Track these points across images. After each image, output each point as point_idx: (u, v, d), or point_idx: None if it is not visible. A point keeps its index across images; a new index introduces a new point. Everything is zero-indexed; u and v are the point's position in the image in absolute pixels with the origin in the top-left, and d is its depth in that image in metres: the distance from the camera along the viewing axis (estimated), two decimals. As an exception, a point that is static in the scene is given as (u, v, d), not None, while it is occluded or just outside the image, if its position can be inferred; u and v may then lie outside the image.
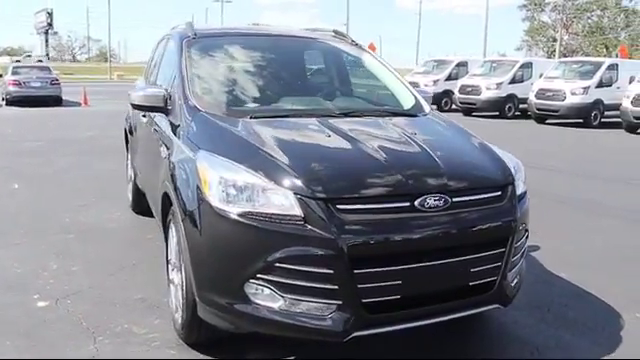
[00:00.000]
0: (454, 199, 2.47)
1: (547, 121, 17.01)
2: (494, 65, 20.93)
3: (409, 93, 3.81)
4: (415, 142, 2.82)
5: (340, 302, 2.29)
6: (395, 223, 2.37)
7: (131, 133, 5.10)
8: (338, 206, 2.32)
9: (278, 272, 2.30)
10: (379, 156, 2.58)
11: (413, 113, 3.45)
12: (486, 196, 2.61)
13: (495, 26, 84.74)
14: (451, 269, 2.46)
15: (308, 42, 4.13)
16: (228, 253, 2.39)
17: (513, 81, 19.43)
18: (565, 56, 46.37)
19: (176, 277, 2.93)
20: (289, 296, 2.32)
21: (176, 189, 2.73)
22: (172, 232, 2.95)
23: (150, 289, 3.61)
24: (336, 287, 2.28)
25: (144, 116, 4.03)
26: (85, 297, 3.51)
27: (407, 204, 2.40)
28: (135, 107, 3.44)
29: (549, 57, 44.32)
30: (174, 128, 3.17)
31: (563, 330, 3.20)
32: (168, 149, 3.12)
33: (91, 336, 3.02)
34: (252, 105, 3.31)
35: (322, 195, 2.32)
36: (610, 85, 16.95)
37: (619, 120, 15.59)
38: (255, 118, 3.00)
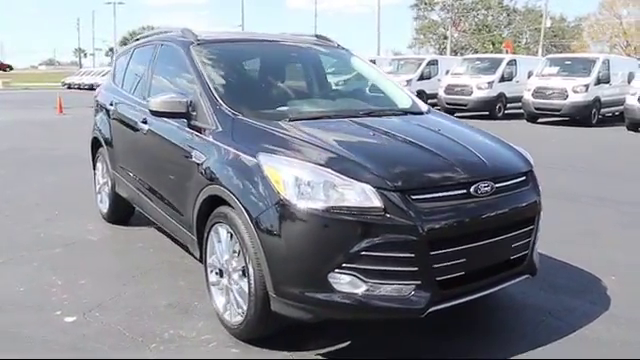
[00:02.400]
0: (496, 185, 2.86)
1: (456, 114, 18.23)
2: (401, 63, 22.15)
3: (403, 93, 4.18)
4: (446, 136, 3.19)
5: (419, 282, 2.58)
6: (458, 208, 2.71)
7: (108, 143, 5.01)
8: (412, 196, 2.61)
9: (363, 260, 2.54)
10: (431, 150, 2.92)
11: (420, 111, 3.81)
12: (516, 181, 3.03)
13: (385, 25, 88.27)
14: (499, 246, 2.85)
15: (309, 48, 4.35)
16: (312, 248, 2.59)
17: (422, 78, 20.67)
18: (455, 53, 49.68)
19: (226, 278, 3.07)
20: (372, 281, 2.57)
21: (235, 192, 2.85)
22: (219, 235, 3.08)
23: (172, 295, 3.66)
24: (416, 269, 2.57)
25: (145, 123, 4.04)
26: (111, 308, 3.49)
27: (464, 191, 2.75)
28: (155, 114, 3.48)
29: (440, 54, 47.16)
30: (204, 133, 3.27)
31: (562, 295, 3.71)
32: (203, 154, 3.22)
33: (142, 345, 3.06)
34: (282, 108, 3.50)
35: (399, 187, 2.60)
36: (511, 79, 18.59)
37: (521, 112, 17.19)
38: (293, 120, 3.21)
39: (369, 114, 3.53)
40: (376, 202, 2.56)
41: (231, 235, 3.00)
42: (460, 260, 2.68)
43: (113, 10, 46.23)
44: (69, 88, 36.75)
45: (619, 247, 4.79)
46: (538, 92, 16.32)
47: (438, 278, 2.63)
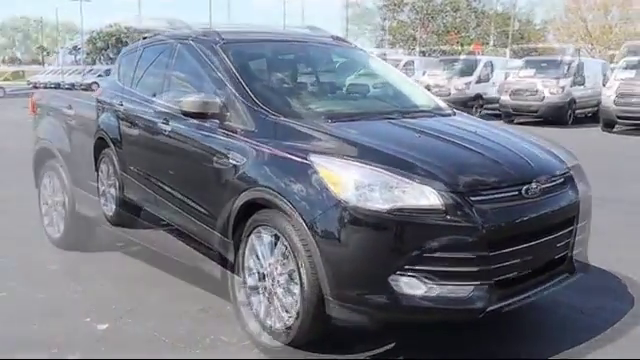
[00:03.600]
0: (542, 185, 2.91)
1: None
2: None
3: (425, 94, 4.22)
4: (486, 138, 3.24)
5: (478, 282, 2.61)
6: (513, 209, 2.75)
7: (116, 144, 4.85)
8: (471, 197, 2.64)
9: (424, 262, 2.56)
10: (479, 151, 2.95)
11: (448, 112, 3.85)
12: (558, 182, 3.09)
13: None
14: (546, 246, 2.90)
15: (331, 48, 4.34)
16: (374, 250, 2.59)
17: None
18: (424, 54, 50.39)
19: (269, 282, 3.04)
20: (432, 282, 2.58)
21: (285, 195, 2.82)
22: (261, 239, 3.05)
23: (202, 300, 3.60)
24: (476, 269, 2.59)
25: (166, 123, 3.94)
26: (142, 315, 3.41)
27: (516, 192, 2.79)
28: (186, 114, 3.42)
29: (409, 54, 47.76)
30: (241, 135, 3.23)
31: (588, 294, 3.80)
32: (242, 156, 3.16)
33: (185, 350, 3.00)
34: (319, 108, 3.48)
35: (459, 188, 2.63)
36: (487, 81, 18.98)
37: (498, 112, 17.56)
38: (334, 120, 3.20)
39: (402, 114, 3.55)
40: (437, 203, 2.58)
41: (276, 238, 2.97)
42: (515, 260, 2.72)
43: (80, 7, 45.30)
44: (35, 87, 35.81)
45: (632, 247, 4.91)
46: (515, 93, 16.74)
47: (496, 278, 2.66)
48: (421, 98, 4.13)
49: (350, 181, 2.64)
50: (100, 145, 5.24)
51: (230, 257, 3.39)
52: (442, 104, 4.08)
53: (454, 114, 3.87)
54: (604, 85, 16.18)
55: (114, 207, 5.02)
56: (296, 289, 2.86)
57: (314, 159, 2.78)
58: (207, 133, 3.50)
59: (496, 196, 2.73)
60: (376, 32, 55.39)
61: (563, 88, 16.26)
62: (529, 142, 3.40)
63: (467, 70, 19.07)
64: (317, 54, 4.21)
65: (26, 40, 79.38)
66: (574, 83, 16.58)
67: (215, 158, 3.40)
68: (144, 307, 3.51)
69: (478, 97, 18.61)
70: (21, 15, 77.96)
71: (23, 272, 4.25)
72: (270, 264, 3.03)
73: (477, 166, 2.85)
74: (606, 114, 14.72)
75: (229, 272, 3.26)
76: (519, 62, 18.52)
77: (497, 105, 17.58)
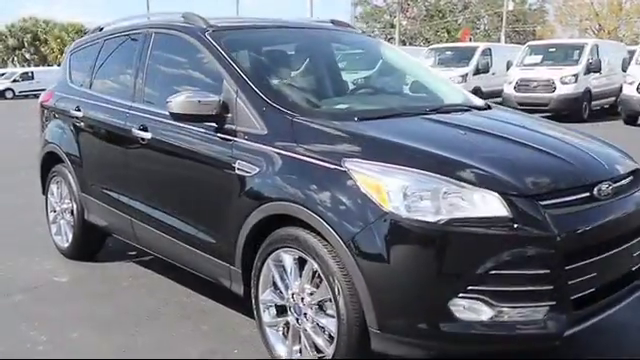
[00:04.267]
0: (614, 185, 2.97)
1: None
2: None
3: (451, 86, 4.30)
4: (542, 133, 3.31)
5: (554, 302, 2.63)
6: (586, 214, 2.79)
7: (74, 158, 4.79)
8: (541, 202, 2.66)
9: (490, 281, 2.57)
10: (540, 149, 2.99)
11: (484, 106, 3.91)
12: (628, 181, 3.15)
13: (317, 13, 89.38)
14: (625, 255, 2.95)
15: (343, 35, 4.37)
16: (431, 270, 2.59)
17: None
18: (404, 43, 51.05)
19: (292, 316, 3.02)
20: (500, 305, 2.59)
21: (315, 209, 2.80)
22: (283, 263, 3.03)
23: (201, 342, 3.55)
24: (551, 287, 2.61)
25: (144, 130, 3.89)
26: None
27: (588, 194, 2.83)
28: (177, 117, 3.39)
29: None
30: (249, 139, 3.21)
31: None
32: (253, 164, 3.14)
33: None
34: (341, 106, 3.49)
35: (527, 192, 2.65)
36: (487, 71, 19.33)
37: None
38: (362, 120, 3.21)
39: (435, 110, 3.58)
40: (503, 211, 2.59)
41: (301, 262, 2.95)
42: (592, 274, 2.75)
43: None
44: None
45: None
46: (521, 85, 17.01)
47: (572, 297, 2.69)
48: (448, 91, 4.19)
49: (397, 189, 2.64)
50: (49, 161, 5.19)
51: (237, 290, 3.36)
52: (473, 97, 4.16)
53: (489, 107, 3.93)
54: (624, 71, 16.54)
55: (71, 236, 4.96)
56: (330, 322, 2.84)
57: (350, 165, 2.77)
58: (202, 139, 3.48)
59: (567, 199, 2.76)
60: (385, 30, 55.93)
61: (576, 76, 16.57)
62: (587, 137, 3.48)
63: (462, 60, 19.37)
64: (327, 43, 4.23)
65: None
66: (589, 70, 16.87)
67: (214, 169, 3.38)
68: (133, 355, 3.44)
69: (477, 90, 18.73)
70: None
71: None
72: (294, 294, 3.01)
73: (543, 165, 2.89)
74: (629, 105, 14.93)
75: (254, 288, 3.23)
76: (523, 48, 18.84)
77: (500, 99, 17.88)
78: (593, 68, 16.95)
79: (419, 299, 2.63)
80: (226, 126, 3.35)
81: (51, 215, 5.27)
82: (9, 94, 38.82)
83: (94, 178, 4.64)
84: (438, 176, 2.67)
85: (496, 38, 48.80)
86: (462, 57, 19.68)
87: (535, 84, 16.80)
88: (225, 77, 3.45)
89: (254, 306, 3.25)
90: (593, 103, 17.32)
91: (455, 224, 2.58)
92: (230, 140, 3.30)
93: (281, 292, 3.09)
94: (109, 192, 4.43)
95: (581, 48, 17.48)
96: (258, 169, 3.12)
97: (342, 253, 2.72)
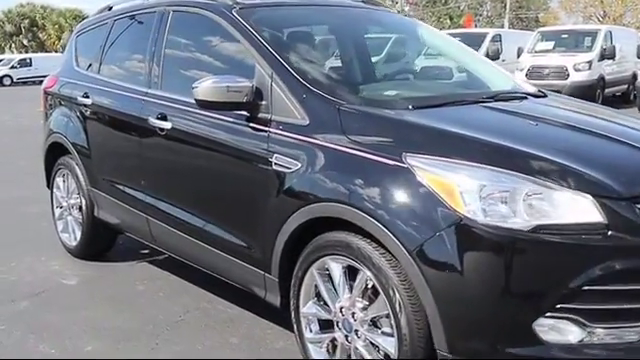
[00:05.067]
0: None
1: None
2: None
3: (498, 70, 3.90)
4: (623, 125, 2.92)
5: None
6: None
7: (82, 149, 4.40)
8: (638, 205, 2.28)
9: (582, 298, 2.19)
10: (626, 142, 2.60)
11: (540, 93, 3.52)
12: None
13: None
14: None
15: (373, 14, 3.98)
16: (513, 285, 2.21)
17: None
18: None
19: (341, 333, 2.64)
20: (592, 325, 2.22)
21: (371, 211, 2.42)
22: (331, 273, 2.65)
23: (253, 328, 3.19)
24: (652, 304, 2.24)
25: (162, 119, 3.49)
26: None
27: None
28: (203, 104, 2.99)
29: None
30: (287, 130, 2.82)
31: None
32: (294, 159, 2.75)
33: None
34: (390, 92, 3.11)
35: (625, 194, 2.26)
36: (497, 58, 18.86)
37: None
38: (417, 108, 2.82)
39: (492, 98, 3.19)
40: (596, 216, 2.21)
41: (352, 271, 2.58)
42: None
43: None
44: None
45: None
46: (533, 72, 16.59)
47: None
48: (496, 76, 3.81)
49: (473, 190, 2.25)
50: (54, 152, 4.81)
51: (274, 301, 2.99)
52: (523, 83, 3.79)
53: (545, 95, 3.54)
54: (639, 58, 16.16)
55: (80, 234, 4.59)
56: (387, 341, 2.47)
57: (413, 161, 2.38)
58: (231, 130, 3.09)
59: None
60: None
61: (590, 63, 16.12)
62: None
63: (471, 47, 18.90)
64: (364, 23, 3.84)
65: None
66: (602, 57, 16.42)
67: (246, 164, 3.00)
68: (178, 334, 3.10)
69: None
70: None
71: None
72: (343, 308, 2.63)
73: (637, 162, 2.50)
74: None
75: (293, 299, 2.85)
76: (534, 35, 18.35)
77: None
78: (607, 55, 16.46)
79: (498, 318, 2.25)
80: (260, 115, 2.96)
81: (57, 211, 4.88)
82: (7, 81, 38.25)
83: (105, 171, 4.24)
84: (519, 174, 2.28)
85: (499, 25, 48.24)
86: (470, 43, 19.17)
87: (547, 71, 16.32)
88: (257, 60, 3.04)
89: (294, 319, 2.87)
90: (606, 91, 16.86)
91: (541, 232, 2.19)
92: (265, 131, 2.91)
93: (327, 305, 2.71)
94: (122, 187, 4.03)
95: (594, 34, 16.99)
96: (300, 165, 2.73)
97: (405, 263, 2.34)
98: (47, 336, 3.46)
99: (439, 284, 2.29)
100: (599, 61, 16.37)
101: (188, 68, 3.60)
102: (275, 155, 2.83)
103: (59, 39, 54.17)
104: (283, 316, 3.03)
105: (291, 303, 2.86)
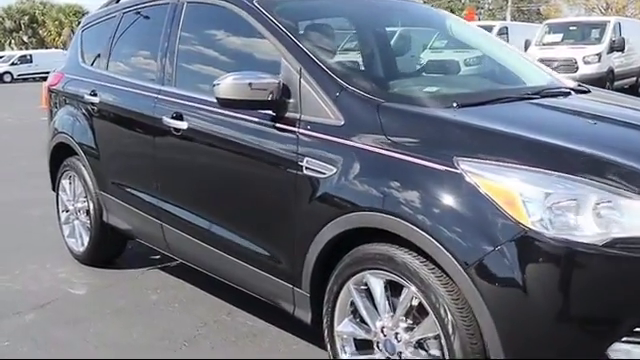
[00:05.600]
0: None
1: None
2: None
3: (533, 64, 3.65)
4: None
5: None
6: None
7: (90, 150, 4.14)
8: None
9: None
10: None
11: (583, 89, 3.25)
12: None
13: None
14: None
15: (401, 5, 3.73)
16: (585, 306, 1.97)
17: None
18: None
19: (382, 354, 2.39)
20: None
21: (419, 222, 2.16)
22: (371, 288, 2.39)
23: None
24: None
25: (178, 118, 3.24)
26: None
27: None
28: (225, 103, 2.73)
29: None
30: (318, 131, 2.56)
31: None
32: (328, 164, 2.49)
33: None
34: (430, 89, 2.85)
35: None
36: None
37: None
38: (461, 106, 2.55)
39: (539, 94, 2.92)
40: None
41: (395, 287, 2.32)
42: None
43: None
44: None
45: None
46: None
47: None
48: (531, 70, 3.55)
49: (537, 198, 1.99)
50: (60, 153, 4.56)
51: (303, 317, 2.73)
52: (560, 77, 3.53)
53: (588, 90, 3.28)
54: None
55: (87, 240, 4.34)
56: (437, 367, 2.22)
57: (467, 166, 2.12)
58: (255, 131, 2.83)
59: None
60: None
61: (600, 56, 15.83)
62: None
63: (415, 43, 18.59)
64: (394, 15, 3.58)
65: None
66: (612, 49, 16.11)
67: (273, 168, 2.74)
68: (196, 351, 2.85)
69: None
70: None
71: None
72: (384, 328, 2.37)
73: None
74: None
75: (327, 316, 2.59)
76: (542, 27, 18.04)
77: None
78: (616, 47, 16.14)
79: (567, 343, 2.00)
80: (287, 114, 2.70)
81: (63, 215, 4.62)
82: (7, 78, 37.95)
83: (114, 174, 3.98)
84: (586, 180, 2.02)
85: (501, 17, 47.90)
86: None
87: (556, 64, 15.90)
88: (283, 54, 2.78)
89: (327, 338, 2.61)
90: (615, 84, 16.57)
91: (615, 246, 1.94)
92: (293, 132, 2.65)
93: (365, 324, 2.46)
94: (133, 191, 3.78)
95: (603, 26, 16.69)
96: (334, 169, 2.47)
97: (460, 281, 2.09)
98: (55, 352, 3.22)
99: (499, 304, 2.03)
100: (608, 53, 16.07)
101: (205, 64, 3.34)
102: (306, 159, 2.57)
103: (59, 35, 53.86)
104: (309, 329, 2.79)
105: (324, 321, 2.61)
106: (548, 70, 3.62)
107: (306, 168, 2.56)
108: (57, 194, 4.68)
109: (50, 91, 4.83)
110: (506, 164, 2.10)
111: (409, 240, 2.21)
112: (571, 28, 17.44)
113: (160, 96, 3.44)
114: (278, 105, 2.70)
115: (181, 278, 4.11)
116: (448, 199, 2.13)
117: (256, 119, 2.81)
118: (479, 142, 2.25)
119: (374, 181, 2.35)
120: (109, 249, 4.37)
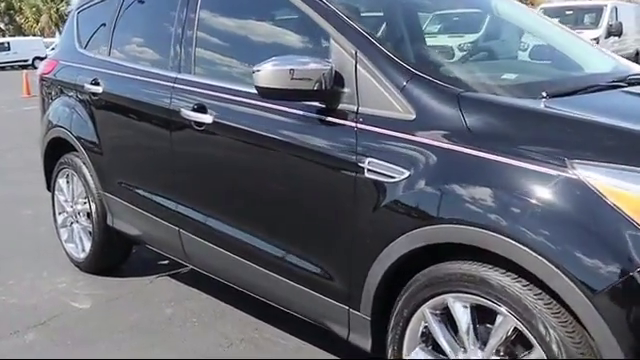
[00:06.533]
0: None
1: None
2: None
3: (594, 48, 3.28)
4: None
5: None
6: None
7: (91, 146, 3.70)
8: None
9: None
10: None
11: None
12: None
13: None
14: None
15: None
16: None
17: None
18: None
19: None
20: None
21: (529, 241, 1.76)
22: (454, 314, 1.99)
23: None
24: None
25: (200, 111, 2.81)
26: None
27: None
28: (266, 92, 2.31)
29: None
30: (383, 126, 2.15)
31: None
32: (400, 166, 2.08)
33: None
34: (508, 75, 2.44)
35: None
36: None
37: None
38: (551, 97, 2.15)
39: (624, 82, 2.53)
40: None
41: (483, 313, 1.93)
42: None
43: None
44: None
45: None
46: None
47: None
48: (596, 55, 3.18)
49: None
50: (55, 149, 4.11)
51: (362, 343, 2.33)
52: (626, 61, 3.15)
53: None
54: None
55: (89, 245, 3.91)
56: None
57: (586, 170, 1.73)
58: (301, 125, 2.42)
59: None
60: None
61: (597, 40, 15.49)
62: None
63: (471, 26, 18.25)
64: None
65: None
66: (609, 34, 15.82)
67: (325, 170, 2.33)
68: None
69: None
70: None
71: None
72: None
73: None
74: None
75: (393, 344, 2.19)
76: (537, 12, 17.73)
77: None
78: (614, 32, 15.85)
79: None
80: (341, 106, 2.28)
81: (60, 217, 4.17)
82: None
83: (121, 173, 3.54)
84: None
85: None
86: (469, 22, 18.55)
87: None
88: (333, 35, 2.36)
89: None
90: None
91: None
92: (350, 128, 2.23)
93: (442, 354, 2.07)
94: (144, 193, 3.34)
95: (600, 10, 16.35)
96: (407, 172, 2.05)
97: (583, 311, 1.69)
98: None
99: (636, 342, 1.65)
100: (606, 38, 15.78)
101: (232, 47, 2.91)
102: (368, 159, 2.15)
103: (37, 22, 52.62)
104: (351, 347, 2.39)
105: (389, 349, 2.21)
106: (611, 54, 3.24)
107: (368, 170, 2.15)
108: (53, 194, 4.22)
109: (42, 80, 4.35)
110: (634, 168, 1.71)
111: (509, 259, 1.81)
112: (567, 12, 17.05)
113: (177, 85, 3.01)
114: (331, 95, 2.28)
115: (195, 287, 3.70)
116: (563, 210, 1.74)
117: (301, 111, 2.39)
118: (593, 140, 1.86)
119: (460, 187, 1.94)
120: (114, 256, 3.94)
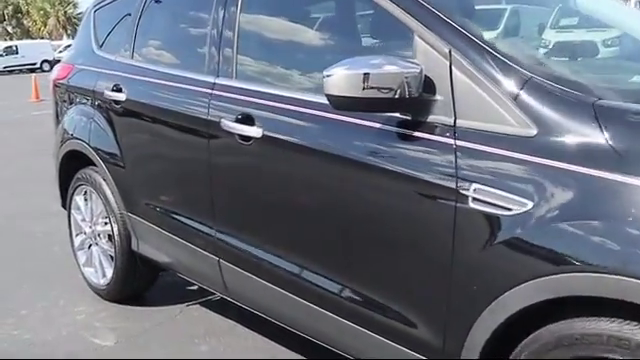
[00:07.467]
0: None
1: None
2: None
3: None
4: None
5: None
6: None
7: (113, 160, 3.27)
8: None
9: None
10: None
11: None
12: None
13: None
14: None
15: None
16: None
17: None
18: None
19: None
20: None
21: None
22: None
23: None
24: None
25: (247, 122, 2.37)
26: None
27: None
28: (341, 102, 1.87)
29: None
30: (496, 146, 1.70)
31: None
32: (518, 195, 1.62)
33: None
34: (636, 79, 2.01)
35: None
36: (516, 36, 17.84)
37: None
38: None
39: None
40: None
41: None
42: None
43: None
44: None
45: None
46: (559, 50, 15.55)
47: None
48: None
49: None
50: (72, 163, 3.70)
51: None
52: None
53: None
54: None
55: (111, 271, 3.49)
56: None
57: None
58: (379, 142, 1.98)
59: None
60: None
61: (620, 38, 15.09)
62: None
63: (491, 25, 17.84)
64: None
65: None
66: None
67: (413, 196, 1.88)
68: None
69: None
70: None
71: None
72: None
73: None
74: None
75: None
76: (556, 9, 17.30)
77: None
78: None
79: None
80: (430, 119, 1.84)
81: (77, 239, 3.75)
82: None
83: (148, 192, 3.12)
84: None
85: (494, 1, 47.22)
86: (486, 19, 18.12)
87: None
88: (419, 32, 1.91)
89: None
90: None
91: None
92: (449, 146, 1.79)
93: None
94: (177, 216, 2.92)
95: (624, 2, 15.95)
96: (530, 203, 1.61)
97: None
98: None
99: None
100: None
101: (288, 47, 2.46)
102: (474, 185, 1.71)
103: (44, 25, 52.39)
104: None
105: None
106: None
107: (474, 200, 1.70)
108: (69, 213, 3.80)
109: (56, 86, 3.93)
110: None
111: None
112: (588, 8, 16.65)
113: (215, 92, 2.57)
114: (418, 105, 1.85)
115: (230, 318, 3.28)
116: None
117: (378, 125, 1.95)
118: None
119: (608, 225, 1.49)
120: (138, 283, 3.51)
